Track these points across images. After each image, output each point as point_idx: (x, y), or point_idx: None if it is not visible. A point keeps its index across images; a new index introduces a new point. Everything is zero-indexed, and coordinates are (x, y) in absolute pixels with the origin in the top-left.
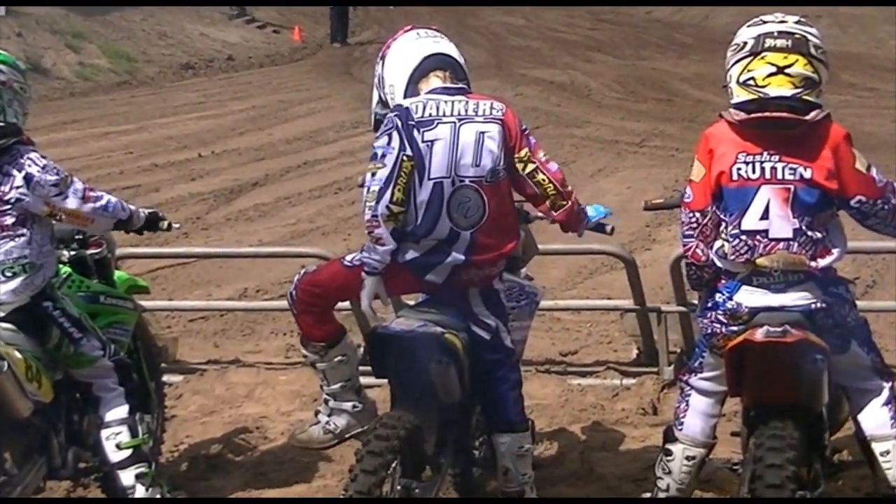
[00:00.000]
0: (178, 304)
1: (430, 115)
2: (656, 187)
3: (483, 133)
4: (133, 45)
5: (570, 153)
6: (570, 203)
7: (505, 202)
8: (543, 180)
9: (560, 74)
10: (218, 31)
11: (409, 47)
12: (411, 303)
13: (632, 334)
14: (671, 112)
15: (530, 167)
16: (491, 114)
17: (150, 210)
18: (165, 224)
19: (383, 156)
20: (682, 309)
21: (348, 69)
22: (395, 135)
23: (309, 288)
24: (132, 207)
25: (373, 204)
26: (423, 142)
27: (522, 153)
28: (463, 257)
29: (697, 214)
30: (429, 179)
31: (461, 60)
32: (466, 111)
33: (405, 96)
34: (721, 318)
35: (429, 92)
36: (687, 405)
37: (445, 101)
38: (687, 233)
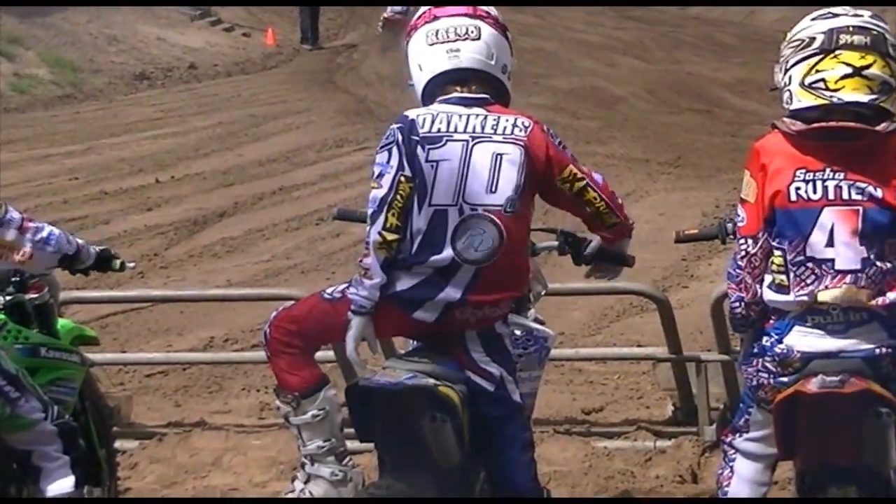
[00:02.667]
0: (132, 356)
1: (439, 130)
2: (694, 213)
3: (501, 155)
4: (78, 51)
5: None
6: (623, 218)
7: (522, 237)
8: (595, 198)
9: (579, 81)
10: (178, 35)
11: (423, 54)
12: (403, 351)
13: (666, 388)
14: (711, 125)
15: (579, 185)
16: (512, 133)
17: (100, 248)
18: (118, 263)
19: (380, 175)
20: (726, 357)
21: (331, 77)
22: (394, 151)
23: (284, 325)
24: (79, 241)
25: (368, 229)
26: (426, 161)
27: (565, 173)
28: (459, 294)
29: (749, 241)
30: (429, 206)
31: (492, 65)
32: (483, 128)
33: (423, 101)
34: (769, 365)
35: (443, 100)
36: (732, 471)
37: (460, 115)
38: (738, 264)
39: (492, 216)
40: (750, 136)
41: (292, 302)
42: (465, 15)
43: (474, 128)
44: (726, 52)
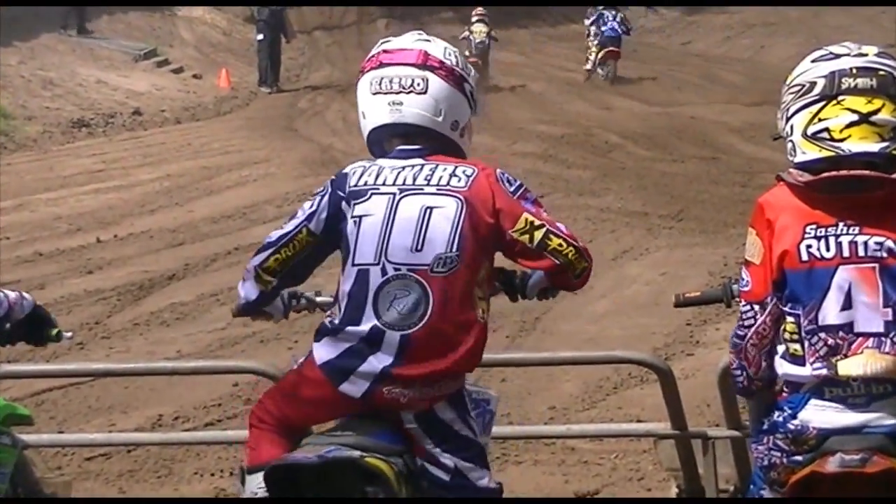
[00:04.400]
0: (71, 437)
1: (366, 183)
2: (699, 273)
3: (431, 209)
4: (9, 95)
5: (585, 229)
6: (590, 261)
7: (459, 302)
8: (561, 245)
9: (571, 125)
10: (120, 78)
11: (366, 102)
12: None
13: (669, 468)
14: (717, 174)
15: (539, 234)
16: (448, 184)
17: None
18: (54, 332)
19: (293, 217)
20: (736, 433)
21: (292, 124)
22: (317, 202)
23: (263, 398)
24: (9, 294)
25: (252, 257)
26: (352, 217)
27: (520, 223)
28: (385, 365)
29: (756, 307)
30: (353, 265)
31: (438, 121)
32: (415, 179)
33: (368, 149)
34: (780, 443)
35: (383, 155)
36: None
37: (392, 168)
38: (739, 333)
39: (417, 276)
40: (761, 186)
41: (251, 382)
42: (413, 65)
43: (405, 180)
44: (734, 92)
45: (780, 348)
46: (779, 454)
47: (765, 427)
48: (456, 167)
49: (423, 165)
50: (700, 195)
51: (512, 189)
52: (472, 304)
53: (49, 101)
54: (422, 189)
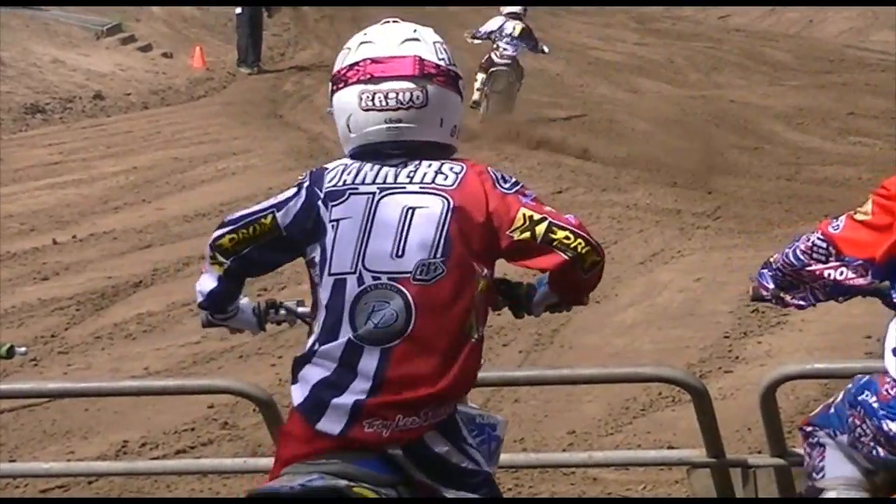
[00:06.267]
0: (23, 466)
1: (344, 182)
2: (739, 279)
3: (413, 210)
4: None
5: (609, 230)
6: (602, 255)
7: (446, 315)
8: (568, 237)
9: (594, 111)
10: (80, 57)
11: (355, 117)
12: None
13: (705, 500)
14: (760, 165)
15: (541, 229)
16: (433, 181)
17: None
18: (5, 347)
19: (265, 200)
20: (780, 462)
21: (276, 109)
22: (293, 191)
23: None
24: None
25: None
26: (330, 221)
27: (518, 220)
28: (362, 394)
29: (832, 252)
30: (329, 275)
31: (440, 131)
32: (397, 177)
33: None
34: (869, 430)
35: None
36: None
37: (373, 166)
38: (801, 259)
39: (397, 285)
40: (810, 180)
41: (230, 402)
42: (409, 77)
43: (385, 177)
44: (779, 73)
45: (890, 343)
46: (867, 439)
47: (858, 398)
48: (443, 164)
49: (406, 162)
50: (740, 190)
51: (507, 186)
52: (463, 319)
53: None
54: (403, 187)
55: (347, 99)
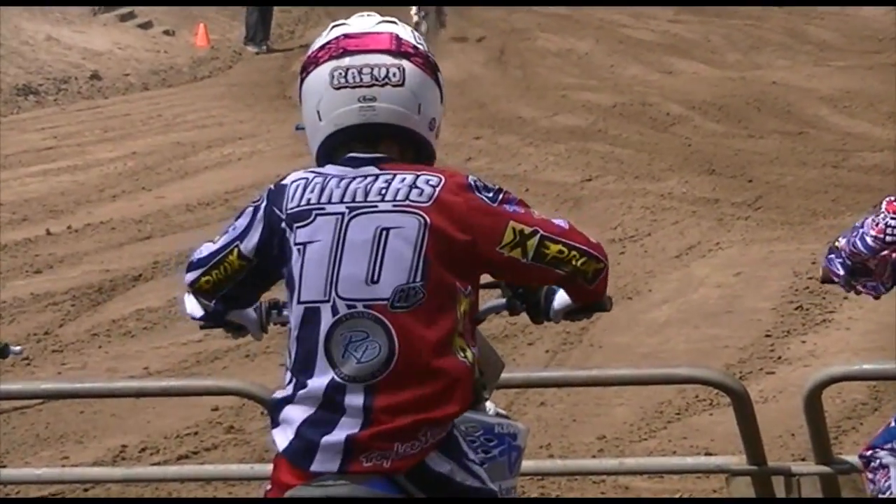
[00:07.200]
0: (15, 472)
1: (308, 202)
2: (781, 273)
3: (387, 231)
4: None
5: (641, 221)
6: (606, 259)
7: (431, 341)
8: (561, 252)
9: (624, 93)
10: (76, 34)
11: (325, 99)
12: None
13: None
14: (804, 152)
15: (533, 244)
16: (408, 197)
17: None
18: None
19: (224, 232)
20: (826, 469)
21: (283, 91)
22: (249, 217)
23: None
24: None
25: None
26: (295, 244)
27: (507, 235)
28: (353, 430)
29: None
30: (298, 303)
31: (416, 119)
32: (367, 194)
33: (316, 158)
34: None
35: (330, 162)
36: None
37: (340, 179)
38: (874, 246)
39: (374, 313)
40: (857, 168)
41: (235, 404)
42: (387, 52)
43: (354, 195)
44: (824, 52)
45: None
46: None
47: None
48: (417, 177)
49: (377, 176)
50: (782, 178)
51: (490, 196)
52: (450, 342)
53: None
54: (375, 206)
55: (318, 80)
